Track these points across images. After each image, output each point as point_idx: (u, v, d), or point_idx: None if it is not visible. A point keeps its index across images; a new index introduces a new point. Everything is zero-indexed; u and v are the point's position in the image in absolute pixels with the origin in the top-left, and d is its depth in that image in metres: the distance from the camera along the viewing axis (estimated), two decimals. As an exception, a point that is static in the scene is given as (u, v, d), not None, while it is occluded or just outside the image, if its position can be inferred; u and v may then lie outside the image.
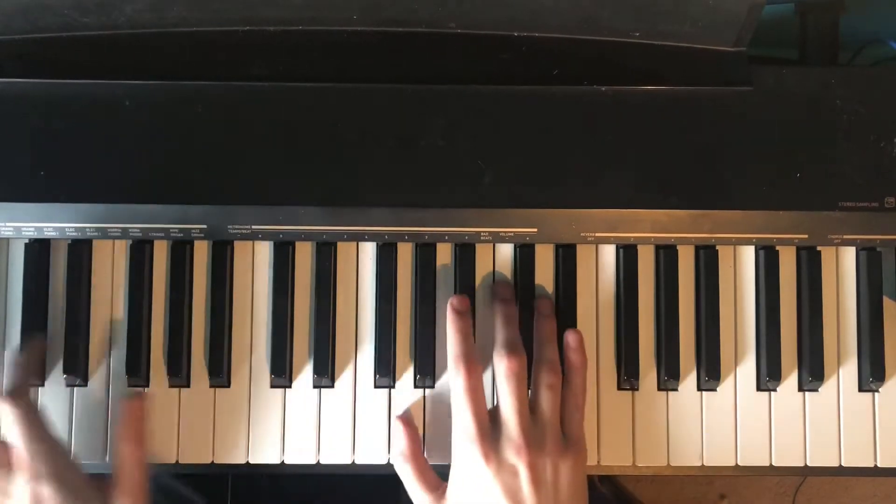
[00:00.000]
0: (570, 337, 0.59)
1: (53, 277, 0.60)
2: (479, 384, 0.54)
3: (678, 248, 0.61)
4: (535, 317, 0.59)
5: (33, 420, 0.53)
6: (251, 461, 0.60)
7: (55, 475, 0.51)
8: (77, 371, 0.59)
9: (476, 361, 0.55)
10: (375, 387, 0.60)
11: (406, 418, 0.59)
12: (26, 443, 0.52)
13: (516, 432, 0.52)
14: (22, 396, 0.54)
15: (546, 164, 0.55)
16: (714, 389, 0.60)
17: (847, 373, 0.61)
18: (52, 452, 0.53)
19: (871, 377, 0.60)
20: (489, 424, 0.53)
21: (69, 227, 0.57)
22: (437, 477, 0.57)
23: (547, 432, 0.53)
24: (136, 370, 0.59)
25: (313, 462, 0.60)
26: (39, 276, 0.59)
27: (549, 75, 0.56)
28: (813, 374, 0.60)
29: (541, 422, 0.53)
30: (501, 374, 0.54)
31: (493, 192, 0.55)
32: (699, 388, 0.60)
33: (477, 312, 0.60)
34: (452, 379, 0.54)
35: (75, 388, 0.60)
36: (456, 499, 0.54)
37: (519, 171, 0.55)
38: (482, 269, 0.61)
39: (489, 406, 0.57)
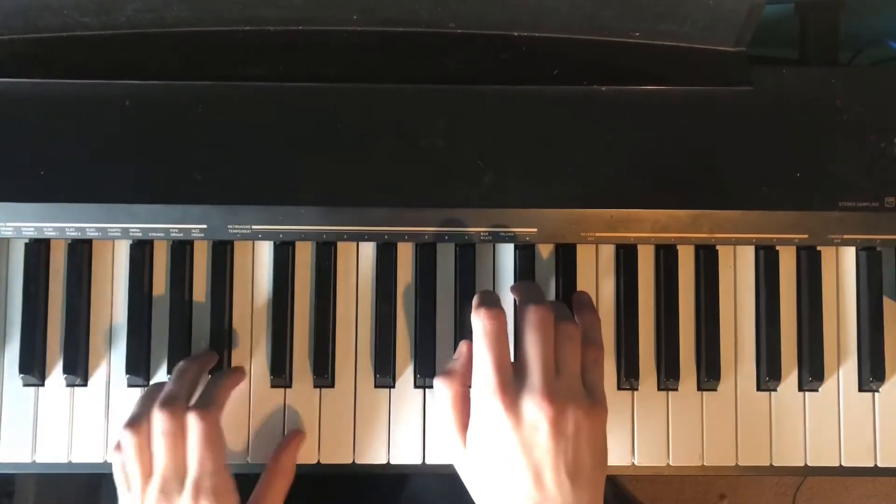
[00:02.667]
0: (580, 295, 0.58)
1: (53, 277, 0.60)
2: (501, 330, 0.50)
3: (678, 248, 0.61)
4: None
5: (217, 440, 0.54)
6: (251, 461, 0.60)
7: (216, 492, 0.52)
8: (77, 371, 0.59)
9: (499, 309, 0.51)
10: (375, 386, 0.60)
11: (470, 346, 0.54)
12: (201, 459, 0.52)
13: (540, 383, 0.48)
14: (214, 413, 0.54)
15: (546, 164, 0.55)
16: (714, 389, 0.60)
17: (847, 373, 0.61)
18: (221, 472, 0.53)
19: (871, 377, 0.60)
20: (511, 374, 0.49)
21: (69, 227, 0.57)
22: None
23: (570, 385, 0.50)
24: (136, 370, 0.59)
25: (313, 462, 0.60)
26: (39, 276, 0.60)
27: (549, 75, 0.56)
28: (813, 374, 0.60)
29: (563, 374, 0.50)
30: (525, 323, 0.50)
31: (493, 192, 0.55)
32: (699, 388, 0.61)
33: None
34: (474, 325, 0.51)
35: (75, 388, 0.60)
36: (473, 447, 0.50)
37: (519, 171, 0.55)
38: (482, 269, 0.61)
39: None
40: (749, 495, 1.23)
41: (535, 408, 0.48)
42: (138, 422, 0.53)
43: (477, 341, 0.50)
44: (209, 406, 0.54)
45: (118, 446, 0.54)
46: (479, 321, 0.51)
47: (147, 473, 0.53)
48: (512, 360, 0.51)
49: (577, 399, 0.49)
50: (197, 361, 0.58)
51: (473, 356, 0.51)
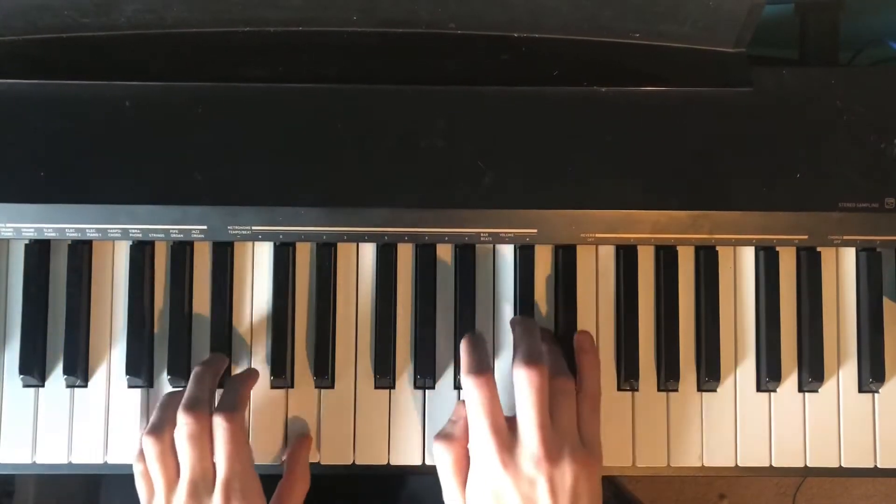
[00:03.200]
0: (581, 339, 0.58)
1: (53, 278, 0.60)
2: (493, 394, 0.52)
3: (678, 248, 0.61)
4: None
5: (244, 442, 0.54)
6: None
7: (245, 494, 0.52)
8: (77, 372, 0.59)
9: (489, 370, 0.53)
10: (375, 387, 0.60)
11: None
12: (230, 461, 0.53)
13: (536, 444, 0.50)
14: (239, 415, 0.54)
15: (546, 164, 0.55)
16: (714, 390, 0.60)
17: (847, 373, 0.61)
18: (250, 474, 0.54)
19: (871, 378, 0.60)
20: (508, 434, 0.51)
21: (69, 228, 0.57)
22: None
23: (566, 441, 0.52)
24: (136, 370, 0.59)
25: (314, 462, 0.60)
26: (39, 276, 0.59)
27: (549, 76, 0.56)
28: (813, 374, 0.60)
29: (559, 430, 0.52)
30: (522, 385, 0.52)
31: (493, 192, 0.55)
32: (699, 389, 0.61)
33: (477, 313, 0.60)
34: (466, 392, 0.53)
35: (75, 389, 0.60)
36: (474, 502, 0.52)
37: (519, 172, 0.55)
38: (482, 270, 0.61)
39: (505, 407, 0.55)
40: (749, 495, 1.23)
41: (532, 466, 0.50)
42: (160, 429, 0.54)
43: (471, 407, 0.52)
44: (233, 408, 0.54)
45: (139, 455, 0.55)
46: (473, 390, 0.52)
47: (171, 480, 0.53)
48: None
49: (574, 452, 0.51)
50: (212, 365, 0.58)
51: (469, 421, 0.52)
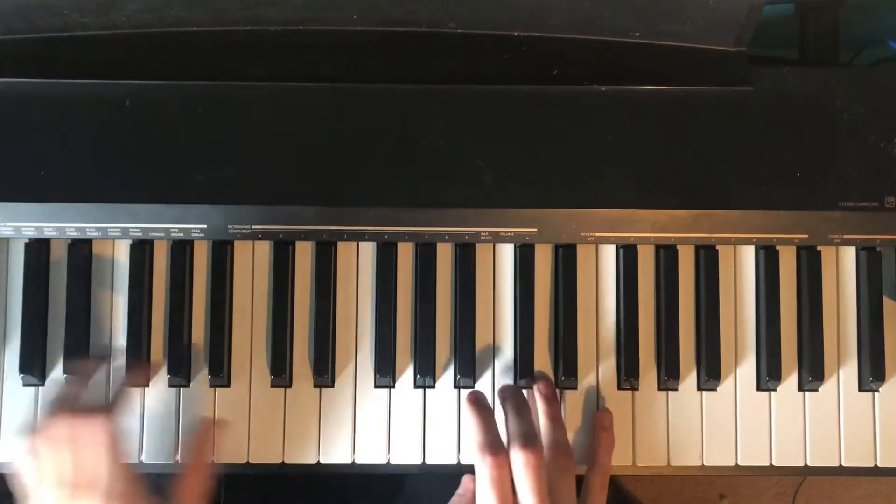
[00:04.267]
0: (602, 416, 0.59)
1: (53, 277, 0.60)
2: (506, 477, 0.52)
3: (678, 247, 0.61)
4: (536, 398, 0.58)
5: (106, 445, 0.52)
6: (251, 461, 0.60)
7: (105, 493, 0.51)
8: (77, 370, 0.59)
9: (503, 449, 0.53)
10: (376, 386, 0.60)
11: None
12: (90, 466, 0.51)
13: None
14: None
15: (546, 164, 0.55)
16: (714, 389, 0.60)
17: (847, 373, 0.61)
18: (119, 476, 0.51)
19: (871, 377, 0.60)
20: None
21: (69, 227, 0.57)
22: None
23: None
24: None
25: (313, 462, 0.60)
26: (39, 275, 0.59)
27: (549, 75, 0.56)
28: (813, 374, 0.60)
29: None
30: (520, 466, 0.52)
31: (493, 191, 0.55)
32: (699, 388, 0.60)
33: (477, 312, 0.60)
34: (478, 467, 0.52)
35: (75, 388, 0.60)
36: None
37: (519, 171, 0.55)
38: (482, 269, 0.61)
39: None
40: (749, 495, 1.23)
41: None
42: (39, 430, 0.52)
43: (481, 486, 0.52)
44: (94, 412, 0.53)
45: (29, 451, 0.52)
46: (485, 469, 0.52)
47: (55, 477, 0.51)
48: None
49: None
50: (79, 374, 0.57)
51: (477, 497, 0.52)
